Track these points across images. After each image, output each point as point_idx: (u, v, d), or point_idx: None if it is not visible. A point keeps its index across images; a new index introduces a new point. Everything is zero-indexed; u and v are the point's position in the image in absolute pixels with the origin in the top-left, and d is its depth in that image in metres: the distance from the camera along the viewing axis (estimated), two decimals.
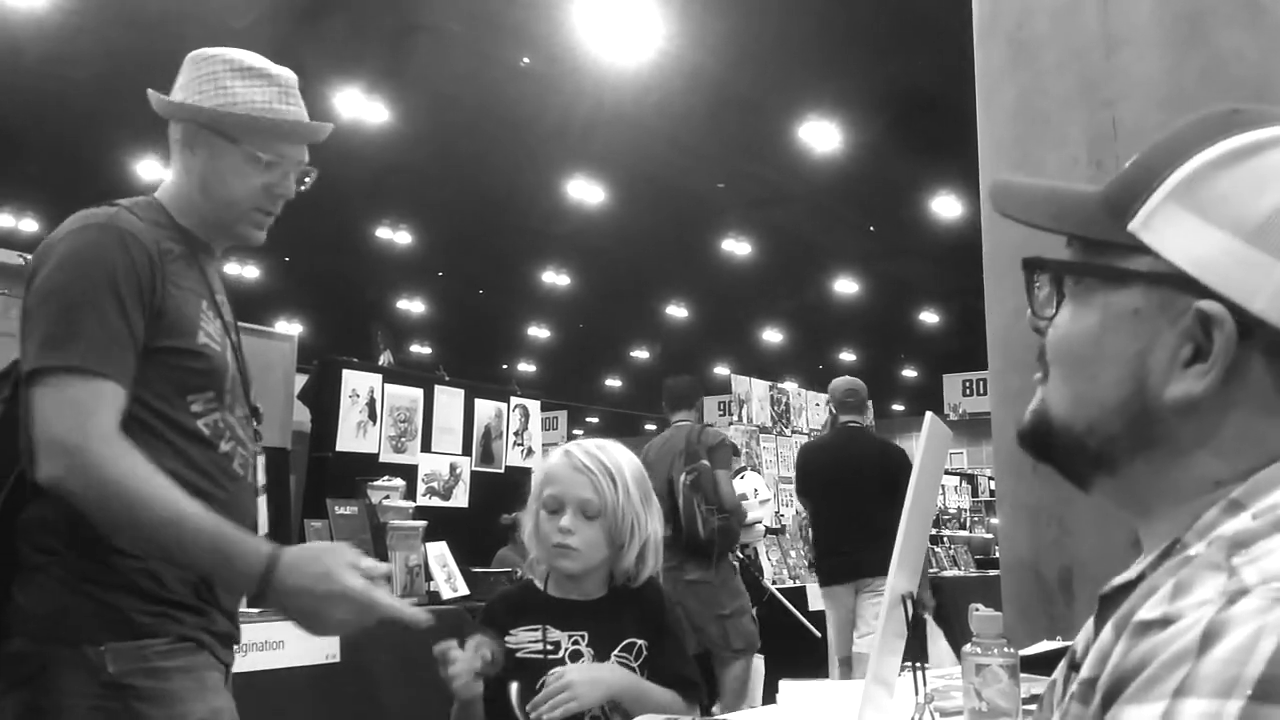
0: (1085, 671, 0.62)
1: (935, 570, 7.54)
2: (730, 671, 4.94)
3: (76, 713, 1.42)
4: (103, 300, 1.43)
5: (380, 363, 6.86)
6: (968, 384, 16.85)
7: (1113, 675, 0.56)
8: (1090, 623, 0.74)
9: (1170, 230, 0.66)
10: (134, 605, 1.47)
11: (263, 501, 1.72)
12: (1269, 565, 0.54)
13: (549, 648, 1.70)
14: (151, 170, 12.89)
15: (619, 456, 1.80)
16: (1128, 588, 0.68)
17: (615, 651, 1.75)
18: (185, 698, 1.48)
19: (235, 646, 1.65)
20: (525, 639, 1.73)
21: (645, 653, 1.77)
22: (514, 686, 1.69)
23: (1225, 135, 0.66)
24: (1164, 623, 0.54)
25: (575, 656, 1.72)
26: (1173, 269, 0.65)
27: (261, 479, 1.71)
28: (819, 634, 7.09)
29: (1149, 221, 0.67)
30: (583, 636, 1.74)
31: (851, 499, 5.42)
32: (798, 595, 7.07)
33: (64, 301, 1.43)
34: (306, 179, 1.71)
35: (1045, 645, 2.00)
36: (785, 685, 1.70)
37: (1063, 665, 0.80)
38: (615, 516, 1.75)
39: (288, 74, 1.68)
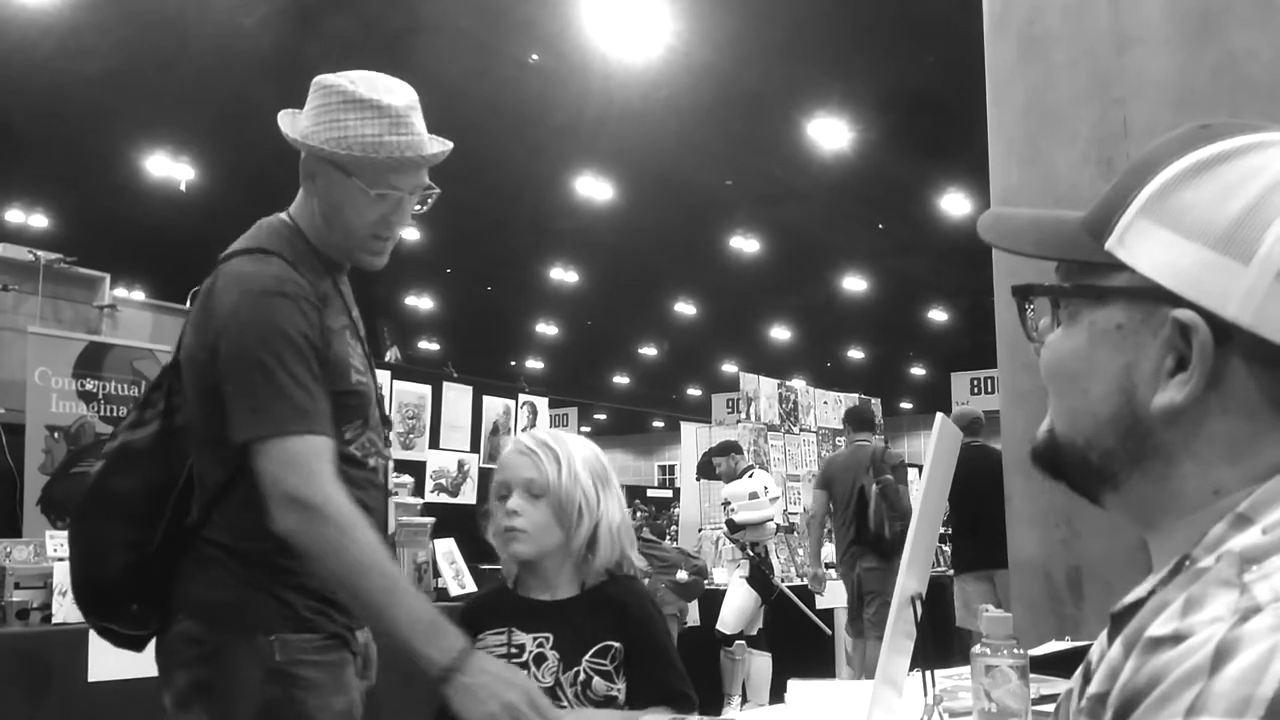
0: (1094, 687, 0.61)
1: (941, 569, 7.53)
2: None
3: (246, 693, 1.57)
4: (297, 366, 1.58)
5: (387, 359, 6.87)
6: (976, 382, 16.80)
7: (1124, 692, 0.56)
8: (1104, 638, 0.74)
9: (1143, 245, 0.68)
10: (302, 601, 1.63)
11: (391, 504, 1.87)
12: None
13: (513, 650, 1.66)
14: (160, 165, 12.93)
15: (568, 439, 1.80)
16: (1139, 605, 0.68)
17: (587, 656, 1.67)
18: (332, 689, 1.64)
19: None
20: (492, 642, 1.68)
21: (621, 657, 1.69)
22: None
23: (1192, 149, 0.68)
24: (1175, 639, 0.54)
25: (539, 660, 1.66)
26: (1148, 282, 0.67)
27: (391, 483, 1.85)
28: (829, 631, 7.09)
29: (1123, 238, 0.69)
30: (547, 639, 1.68)
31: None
32: (806, 593, 7.07)
33: (265, 371, 1.57)
34: (428, 199, 1.77)
35: (1054, 646, 1.99)
36: (794, 685, 1.69)
37: (1077, 677, 0.79)
38: (559, 494, 1.71)
39: (400, 100, 1.70)
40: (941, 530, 8.72)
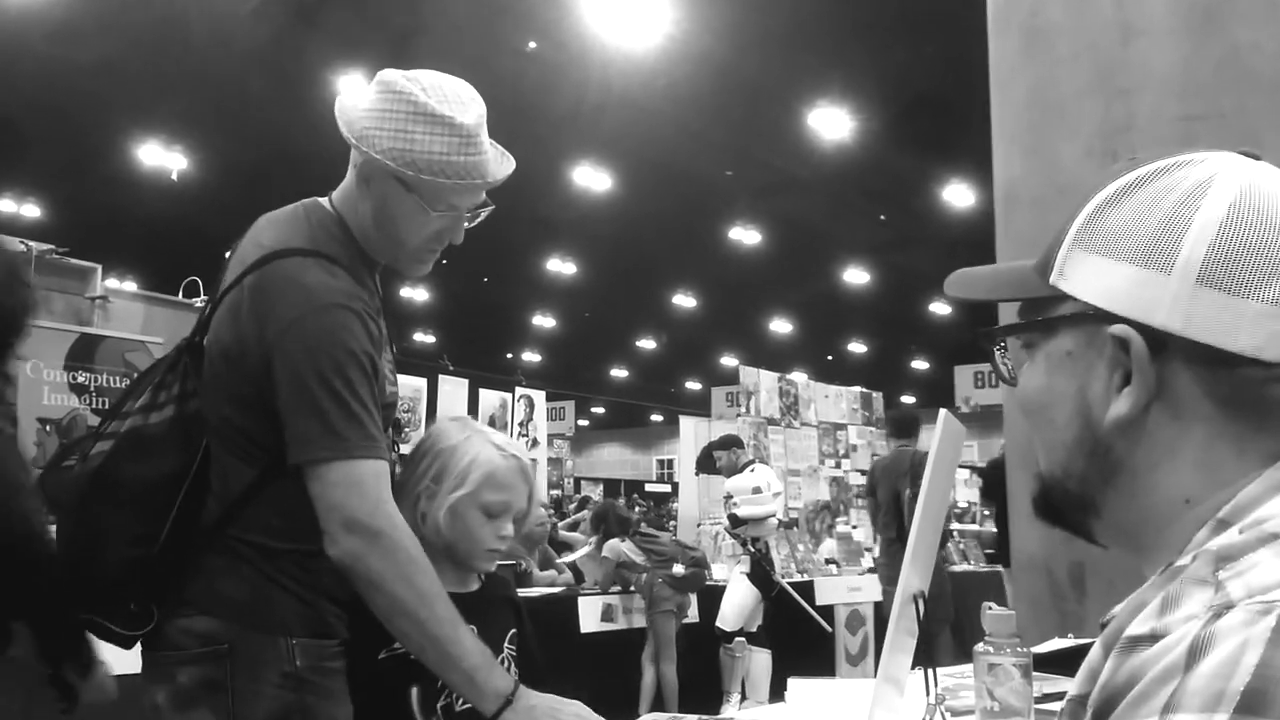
0: (1074, 689, 0.64)
1: (946, 565, 7.59)
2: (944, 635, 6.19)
3: (261, 695, 1.51)
4: (363, 388, 1.53)
5: None
6: (980, 376, 16.82)
7: (1103, 693, 0.57)
8: (1096, 646, 0.75)
9: (1079, 273, 0.72)
10: (326, 607, 1.59)
11: None
12: (1254, 579, 0.55)
13: None
14: (153, 154, 12.90)
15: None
16: None
17: (505, 643, 1.73)
18: (340, 698, 1.59)
19: None
20: None
21: (517, 642, 1.77)
22: (414, 691, 1.64)
23: (1114, 179, 0.72)
24: (1152, 638, 0.56)
25: None
26: (1088, 306, 0.71)
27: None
28: (829, 628, 7.09)
29: (1063, 270, 0.73)
30: (473, 629, 1.64)
31: None
32: (806, 589, 7.05)
33: (333, 393, 1.51)
34: (480, 214, 1.71)
35: (1057, 643, 1.97)
36: (794, 683, 1.67)
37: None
38: (528, 522, 1.83)
39: (471, 117, 1.61)
40: (958, 526, 8.75)
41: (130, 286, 12.09)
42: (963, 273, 0.84)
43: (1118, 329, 0.68)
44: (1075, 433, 0.73)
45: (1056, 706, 1.51)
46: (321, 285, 1.55)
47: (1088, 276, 0.71)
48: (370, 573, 1.48)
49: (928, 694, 0.98)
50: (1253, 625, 0.52)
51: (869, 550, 8.83)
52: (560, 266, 18.37)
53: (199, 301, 5.88)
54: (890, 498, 6.60)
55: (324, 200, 1.69)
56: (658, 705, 5.87)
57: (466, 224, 1.69)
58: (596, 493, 16.47)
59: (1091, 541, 0.77)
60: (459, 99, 1.62)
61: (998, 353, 0.82)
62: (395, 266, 1.72)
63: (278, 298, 1.54)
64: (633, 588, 6.10)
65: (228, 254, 1.74)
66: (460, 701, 1.62)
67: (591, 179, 14.03)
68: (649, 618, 6.05)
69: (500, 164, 1.67)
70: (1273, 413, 0.67)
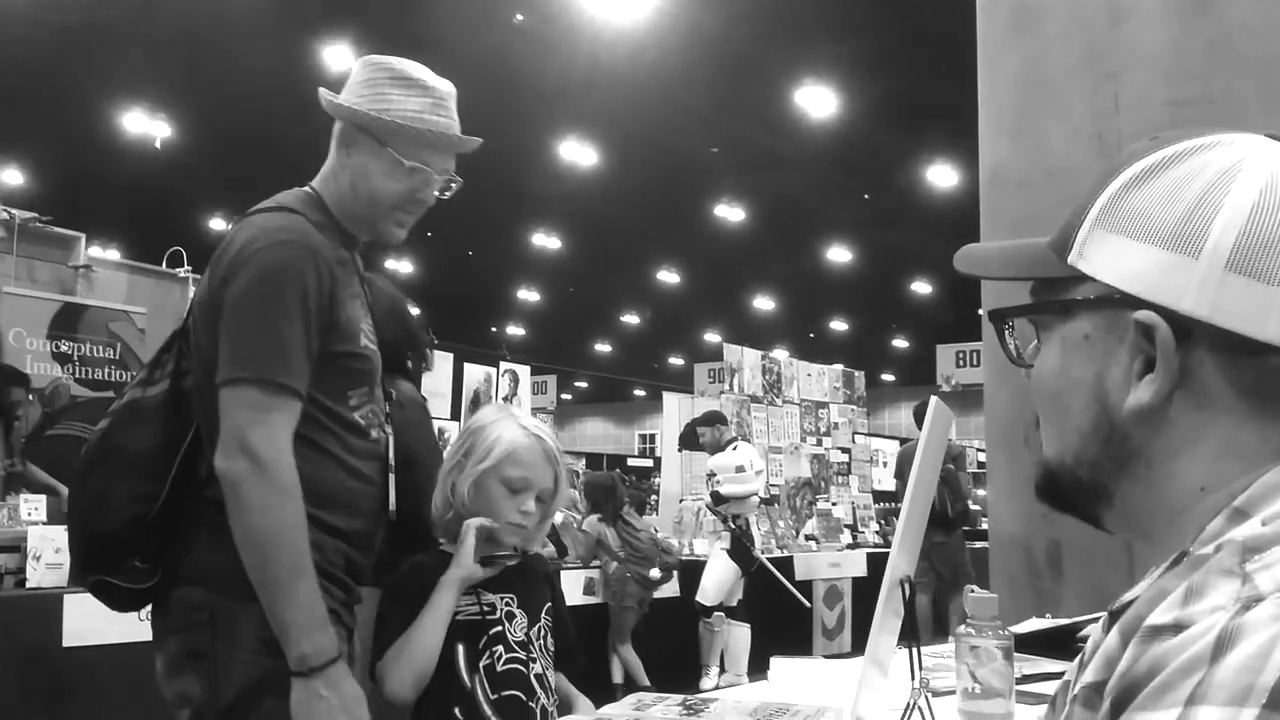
0: (1090, 675, 0.62)
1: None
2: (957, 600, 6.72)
3: (239, 662, 1.57)
4: (296, 320, 1.60)
5: None
6: (961, 355, 16.88)
7: (1123, 681, 0.55)
8: (1098, 631, 0.73)
9: (1101, 254, 0.70)
10: None
11: (392, 479, 1.84)
12: None
13: (485, 609, 1.74)
14: (138, 122, 12.75)
15: (554, 439, 1.90)
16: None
17: (543, 614, 1.83)
18: None
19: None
20: (463, 603, 1.76)
21: (553, 614, 1.87)
22: (460, 648, 1.71)
23: (1140, 158, 0.70)
24: (1176, 628, 0.54)
25: (510, 618, 1.78)
26: (1109, 289, 0.69)
27: (391, 458, 1.85)
28: (807, 604, 7.13)
29: (1083, 250, 0.71)
30: (512, 599, 1.79)
31: None
32: (785, 565, 7.10)
33: (264, 319, 1.60)
34: (451, 187, 1.84)
35: (1034, 623, 1.98)
36: (776, 662, 1.69)
37: (1074, 667, 0.78)
38: (555, 503, 1.89)
39: (445, 87, 1.80)
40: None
41: (114, 255, 11.99)
42: (973, 249, 0.82)
43: (1142, 314, 0.66)
44: (1091, 419, 0.71)
45: (1036, 687, 1.53)
46: (280, 226, 1.66)
47: (1110, 258, 0.69)
48: (241, 497, 1.54)
49: (912, 677, 0.99)
50: None
51: (849, 527, 8.90)
52: (545, 241, 18.30)
53: (182, 271, 5.82)
54: None
55: (304, 187, 1.81)
56: (628, 680, 5.92)
57: (437, 194, 1.82)
58: (579, 466, 16.48)
59: (1098, 528, 0.76)
60: (434, 77, 1.80)
61: (1006, 332, 0.79)
62: (373, 232, 1.80)
63: (236, 238, 1.66)
64: (597, 563, 6.09)
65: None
66: (501, 661, 1.73)
67: (577, 154, 13.95)
68: (612, 605, 6.05)
69: (475, 143, 1.83)
70: None
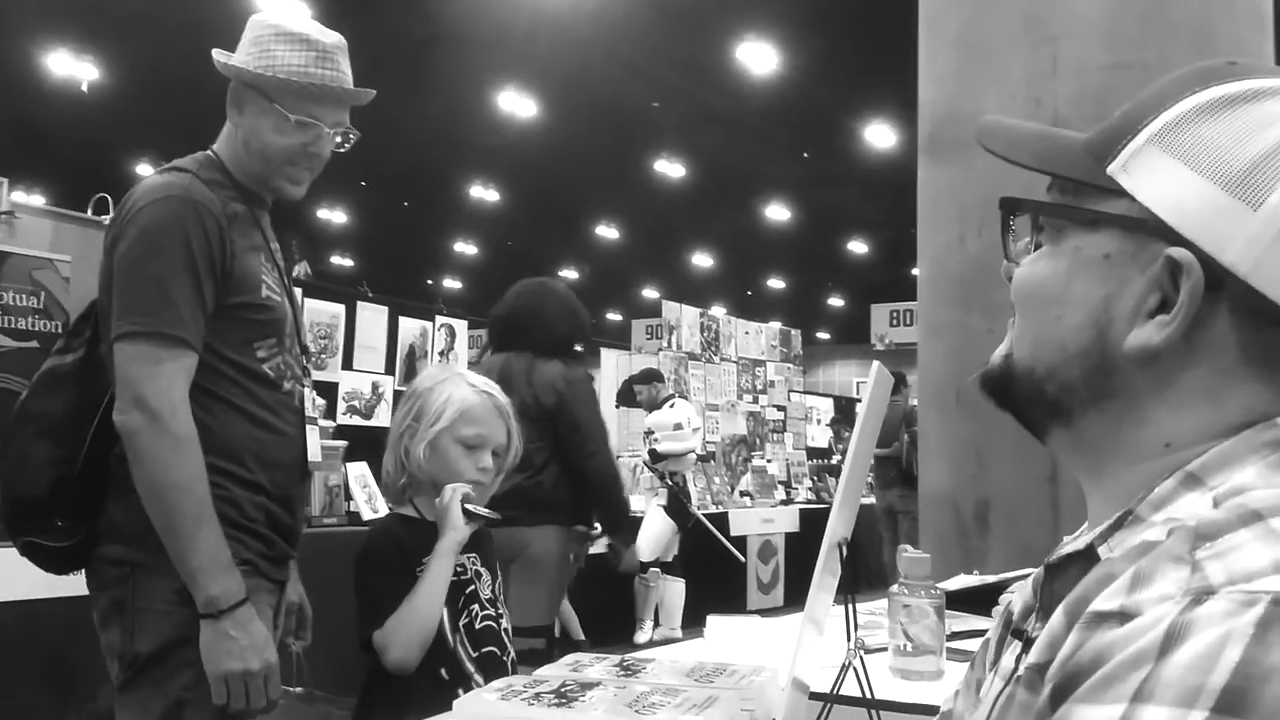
0: (1034, 656, 0.60)
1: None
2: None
3: (152, 614, 1.63)
4: (182, 273, 1.64)
5: (296, 274, 6.67)
6: (895, 314, 17.10)
7: (1065, 669, 0.53)
8: (1029, 587, 0.72)
9: (1149, 174, 0.64)
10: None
11: (313, 432, 1.87)
12: (1235, 563, 0.51)
13: (458, 570, 1.77)
14: (63, 64, 12.29)
15: (504, 396, 1.93)
16: (1075, 557, 0.66)
17: (497, 569, 1.89)
18: None
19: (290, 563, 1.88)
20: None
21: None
22: (444, 610, 1.74)
23: (1216, 83, 0.64)
24: (1121, 616, 0.52)
25: (478, 577, 1.83)
26: (1147, 214, 0.63)
27: (310, 411, 1.88)
28: (741, 559, 7.21)
29: (1129, 164, 0.65)
30: (477, 558, 1.84)
31: None
32: (720, 520, 7.17)
33: (150, 272, 1.64)
34: (349, 139, 1.85)
35: (962, 580, 2.03)
36: (713, 620, 1.70)
37: (997, 625, 0.78)
38: (510, 458, 1.90)
39: (332, 40, 1.81)
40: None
41: (38, 201, 11.56)
42: (1002, 125, 0.75)
43: (1178, 252, 0.61)
44: (1083, 343, 0.67)
45: (964, 644, 1.57)
46: (163, 183, 1.71)
47: (1159, 181, 0.63)
48: (138, 450, 1.60)
49: (848, 637, 1.00)
50: (1236, 617, 0.48)
51: (783, 483, 9.02)
52: (483, 193, 18.07)
53: (108, 219, 5.60)
54: (887, 445, 7.92)
55: (205, 150, 1.84)
56: (564, 634, 5.96)
57: (335, 147, 1.84)
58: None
59: (1038, 436, 0.72)
60: (319, 29, 1.82)
61: (1011, 223, 0.74)
62: (271, 188, 1.83)
63: (127, 201, 1.71)
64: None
65: None
66: (478, 620, 1.77)
67: (516, 104, 13.76)
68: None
69: (365, 94, 1.84)
70: None
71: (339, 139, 1.84)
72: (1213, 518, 0.55)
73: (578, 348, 3.65)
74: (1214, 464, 0.61)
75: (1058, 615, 0.58)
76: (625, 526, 3.90)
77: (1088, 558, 0.64)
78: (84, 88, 12.61)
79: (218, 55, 1.83)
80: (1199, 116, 0.63)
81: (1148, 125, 0.65)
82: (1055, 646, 0.56)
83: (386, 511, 4.14)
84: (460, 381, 1.86)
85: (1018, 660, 0.67)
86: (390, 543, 1.78)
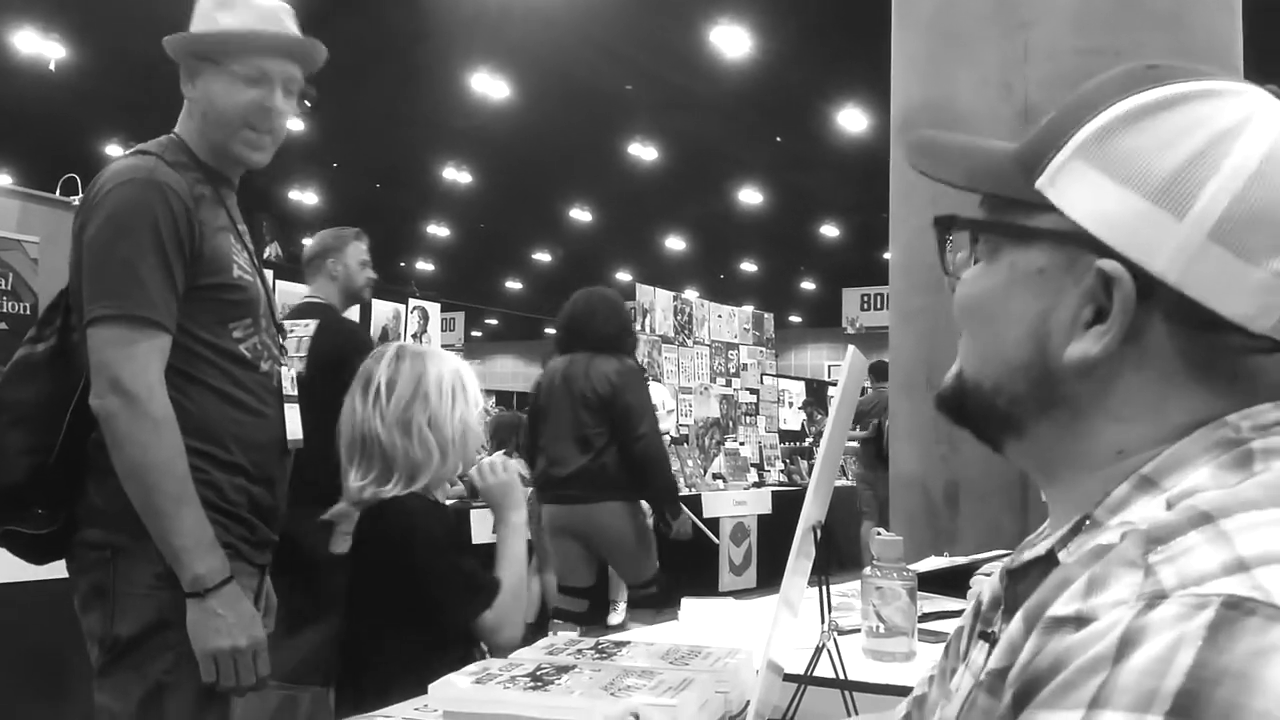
0: (994, 661, 0.60)
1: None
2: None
3: (133, 597, 1.64)
4: (150, 254, 1.64)
5: (267, 255, 6.61)
6: (866, 298, 17.20)
7: (1024, 674, 0.54)
8: (997, 584, 0.74)
9: (1075, 188, 0.64)
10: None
11: (293, 411, 1.87)
12: (1186, 566, 0.51)
13: None
14: (29, 42, 12.06)
15: None
16: (1036, 563, 0.67)
17: None
18: None
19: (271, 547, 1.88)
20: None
21: None
22: None
23: (1136, 90, 0.64)
24: (1078, 621, 0.53)
25: None
26: (1076, 228, 0.64)
27: (289, 390, 1.89)
28: (715, 540, 7.24)
29: (1055, 178, 0.65)
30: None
31: None
32: (693, 503, 7.20)
33: (118, 255, 1.64)
34: (307, 98, 1.86)
35: (933, 561, 2.05)
36: (687, 603, 1.71)
37: (968, 615, 0.79)
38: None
39: (274, 3, 1.82)
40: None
41: (5, 181, 11.38)
42: (932, 142, 0.75)
43: (1108, 264, 0.62)
44: (1025, 357, 0.68)
45: (936, 625, 1.58)
46: (128, 167, 1.71)
47: (1085, 194, 0.64)
48: (117, 432, 1.60)
49: (822, 620, 1.01)
50: (1187, 621, 0.48)
51: (755, 466, 9.07)
52: (455, 175, 17.95)
53: (76, 199, 5.55)
54: (873, 429, 8.29)
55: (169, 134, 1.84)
56: (544, 611, 5.96)
57: (297, 109, 1.86)
58: (489, 404, 16.43)
59: (995, 449, 0.73)
60: None
61: (948, 241, 0.74)
62: (233, 155, 1.81)
63: (92, 186, 1.71)
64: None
65: None
66: None
67: (489, 86, 13.66)
68: (536, 534, 6.07)
69: (311, 43, 1.84)
70: (1239, 382, 0.63)
71: (298, 99, 1.84)
72: (1164, 520, 0.56)
73: (630, 343, 4.33)
74: (1167, 466, 0.62)
75: (1016, 620, 0.59)
76: (673, 500, 4.39)
77: (1048, 562, 0.65)
78: (51, 66, 12.37)
79: (166, 40, 1.83)
80: (1120, 126, 0.64)
81: (1072, 138, 0.65)
82: (1015, 651, 0.57)
83: None
84: (444, 356, 1.90)
85: (986, 659, 0.68)
86: (441, 522, 1.82)
